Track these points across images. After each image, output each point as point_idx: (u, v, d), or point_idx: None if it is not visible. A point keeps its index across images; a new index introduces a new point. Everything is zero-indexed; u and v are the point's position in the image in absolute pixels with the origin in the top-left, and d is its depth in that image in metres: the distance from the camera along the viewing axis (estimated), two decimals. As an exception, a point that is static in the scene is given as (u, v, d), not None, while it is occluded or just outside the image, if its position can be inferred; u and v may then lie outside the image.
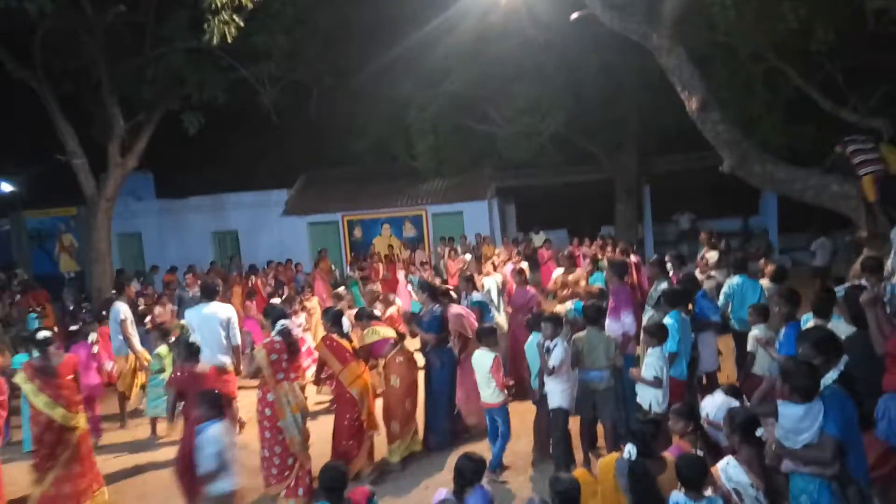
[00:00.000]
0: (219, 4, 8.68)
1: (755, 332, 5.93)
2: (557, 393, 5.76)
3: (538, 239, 15.66)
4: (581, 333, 6.04)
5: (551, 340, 5.74)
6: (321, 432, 6.63)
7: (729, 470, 3.68)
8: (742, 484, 3.61)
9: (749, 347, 6.01)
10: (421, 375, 6.88)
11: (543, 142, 14.40)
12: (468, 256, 12.98)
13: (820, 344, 3.94)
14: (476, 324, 7.21)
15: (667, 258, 8.48)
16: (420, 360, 6.98)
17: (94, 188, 14.28)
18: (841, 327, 4.91)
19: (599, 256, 10.86)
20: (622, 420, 5.92)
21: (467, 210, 17.54)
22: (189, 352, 6.16)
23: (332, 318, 6.41)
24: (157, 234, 19.31)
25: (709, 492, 3.54)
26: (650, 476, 3.68)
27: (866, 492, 3.64)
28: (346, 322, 6.54)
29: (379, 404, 6.69)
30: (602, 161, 16.12)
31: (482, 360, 6.13)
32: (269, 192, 19.25)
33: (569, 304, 7.88)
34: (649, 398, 5.47)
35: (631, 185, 16.15)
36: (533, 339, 6.51)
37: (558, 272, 9.12)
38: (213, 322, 7.10)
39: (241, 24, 9.25)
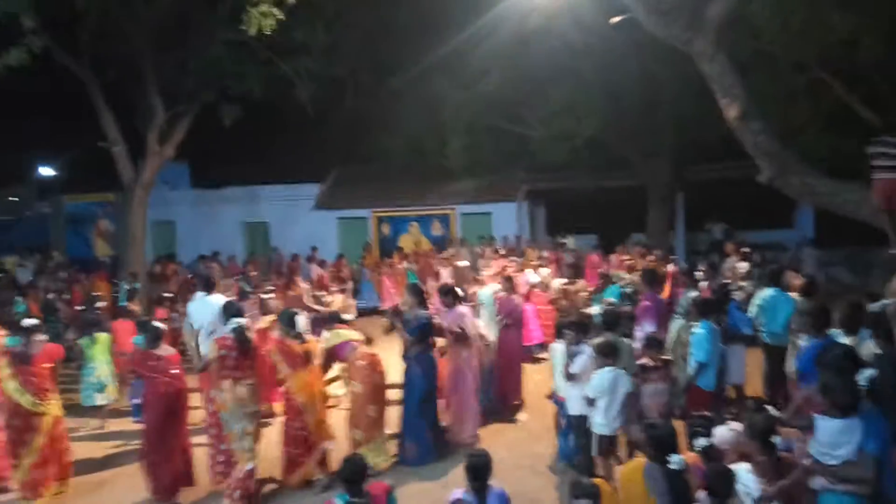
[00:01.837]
0: (259, -4, 8.80)
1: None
2: (577, 399, 5.69)
3: (570, 243, 15.52)
4: (598, 339, 6.00)
5: (575, 346, 5.70)
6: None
7: (741, 474, 3.66)
8: (751, 490, 3.58)
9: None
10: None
11: (578, 145, 14.29)
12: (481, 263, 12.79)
13: (835, 364, 3.86)
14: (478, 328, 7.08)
15: (699, 268, 8.38)
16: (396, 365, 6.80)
17: (131, 175, 14.57)
18: (870, 344, 4.81)
19: (637, 265, 10.62)
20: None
21: (496, 211, 17.49)
22: (153, 336, 6.14)
23: (287, 320, 6.19)
24: (191, 223, 19.63)
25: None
26: (688, 484, 3.63)
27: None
28: (301, 322, 6.30)
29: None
30: (636, 167, 15.93)
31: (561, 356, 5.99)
32: (301, 185, 19.43)
33: (595, 309, 7.82)
34: (595, 420, 5.41)
35: (665, 192, 15.93)
36: (557, 345, 6.50)
37: (559, 281, 9.03)
38: (209, 312, 7.06)
39: (281, 16, 9.35)
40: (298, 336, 6.12)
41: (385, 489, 4.10)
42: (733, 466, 3.73)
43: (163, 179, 16.48)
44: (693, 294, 7.14)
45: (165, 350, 6.16)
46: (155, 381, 5.94)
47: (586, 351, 5.72)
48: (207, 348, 6.52)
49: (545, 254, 13.11)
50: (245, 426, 5.75)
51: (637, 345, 6.38)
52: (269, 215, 19.29)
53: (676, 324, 6.94)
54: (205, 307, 7.13)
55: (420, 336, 6.51)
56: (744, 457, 3.87)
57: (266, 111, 15.75)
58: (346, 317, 7.46)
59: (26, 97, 18.23)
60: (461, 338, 6.77)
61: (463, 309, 6.99)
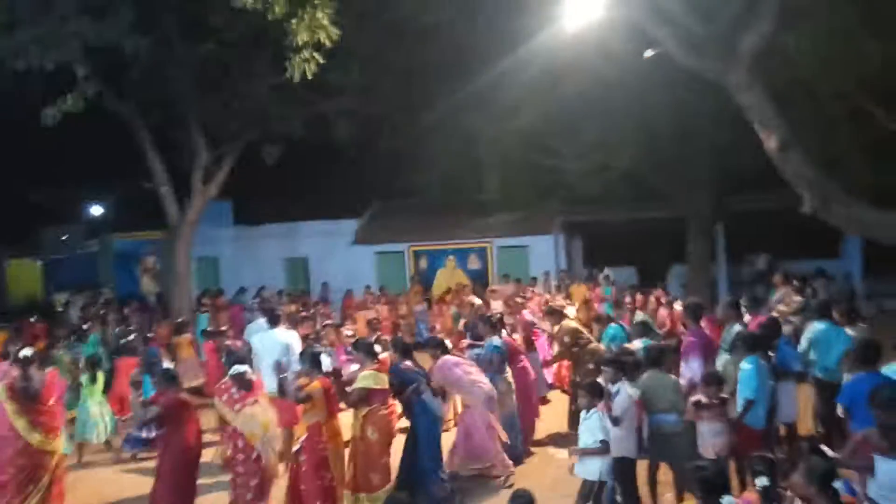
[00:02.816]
0: (300, 43, 9.08)
1: None
2: (617, 441, 5.47)
3: (611, 276, 15.34)
4: (644, 376, 5.89)
5: (612, 385, 5.58)
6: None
7: None
8: None
9: None
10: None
11: (612, 178, 14.23)
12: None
13: (887, 402, 3.72)
14: (469, 377, 6.73)
15: (741, 301, 8.20)
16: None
17: (177, 214, 15.03)
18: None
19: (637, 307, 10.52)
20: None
21: (533, 244, 17.46)
22: (166, 378, 5.96)
23: (311, 359, 6.02)
24: (233, 259, 20.06)
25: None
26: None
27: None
28: (327, 361, 6.26)
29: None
30: (674, 198, 15.77)
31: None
32: (340, 221, 19.75)
33: (638, 343, 7.70)
34: (594, 469, 5.18)
35: (704, 224, 15.69)
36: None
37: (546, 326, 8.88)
38: (276, 347, 7.25)
39: (322, 60, 9.63)
40: (327, 375, 6.13)
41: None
42: None
43: (206, 217, 16.95)
44: (737, 328, 6.97)
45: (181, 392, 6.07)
46: (181, 427, 5.70)
47: (625, 390, 5.62)
48: (271, 382, 6.66)
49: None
50: (274, 448, 5.97)
51: (683, 381, 6.25)
52: (308, 250, 19.59)
53: (722, 359, 6.79)
54: (270, 341, 7.22)
55: (400, 388, 6.39)
56: (805, 499, 3.72)
57: (305, 149, 16.14)
58: (378, 350, 7.10)
59: (77, 139, 19.06)
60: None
61: (449, 360, 6.84)
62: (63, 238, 32.38)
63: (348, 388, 6.28)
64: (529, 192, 16.12)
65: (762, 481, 3.85)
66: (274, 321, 7.55)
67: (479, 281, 16.20)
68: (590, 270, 16.07)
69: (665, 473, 5.95)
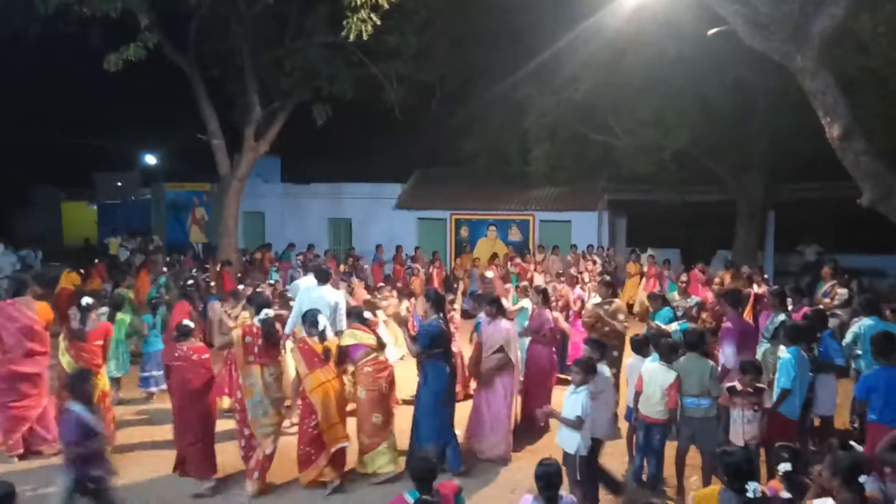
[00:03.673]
0: (358, 2, 9.09)
1: None
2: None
3: (645, 257, 15.10)
4: (682, 358, 5.87)
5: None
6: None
7: None
8: None
9: None
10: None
11: (664, 157, 13.97)
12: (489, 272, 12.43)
13: None
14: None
15: (789, 291, 8.05)
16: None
17: (228, 168, 15.37)
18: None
19: (725, 282, 10.14)
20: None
21: (576, 220, 17.33)
22: (181, 332, 6.18)
23: (310, 321, 6.22)
24: (279, 216, 20.45)
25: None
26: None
27: None
28: (323, 323, 6.20)
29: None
30: (725, 182, 15.41)
31: (661, 375, 5.81)
32: (384, 185, 19.91)
33: (674, 326, 7.66)
34: (572, 441, 5.15)
35: (755, 209, 15.33)
36: (633, 362, 6.44)
37: (594, 300, 8.37)
38: (321, 304, 7.17)
39: (378, 22, 9.64)
40: (321, 335, 6.17)
41: (454, 489, 4.17)
42: (818, 501, 3.60)
43: (255, 172, 17.28)
44: (781, 317, 6.88)
45: (192, 345, 6.18)
46: (180, 372, 6.01)
47: (603, 372, 5.65)
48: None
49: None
50: (268, 411, 5.94)
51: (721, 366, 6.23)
52: (352, 212, 19.85)
53: (763, 347, 6.72)
54: (317, 297, 7.25)
55: (425, 344, 6.27)
56: (829, 492, 3.73)
57: (355, 111, 16.25)
58: (368, 316, 7.03)
59: (136, 89, 19.58)
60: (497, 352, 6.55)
61: (505, 323, 6.72)
62: (118, 184, 33.52)
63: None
64: (576, 167, 15.96)
65: (785, 467, 3.86)
66: (323, 278, 7.63)
67: (520, 252, 16.19)
68: (633, 250, 15.88)
69: (693, 457, 5.99)
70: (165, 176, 24.51)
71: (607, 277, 8.67)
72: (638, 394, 5.98)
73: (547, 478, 3.93)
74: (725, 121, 13.35)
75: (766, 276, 11.63)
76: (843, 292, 9.19)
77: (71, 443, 4.72)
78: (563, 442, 5.28)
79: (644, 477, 6.08)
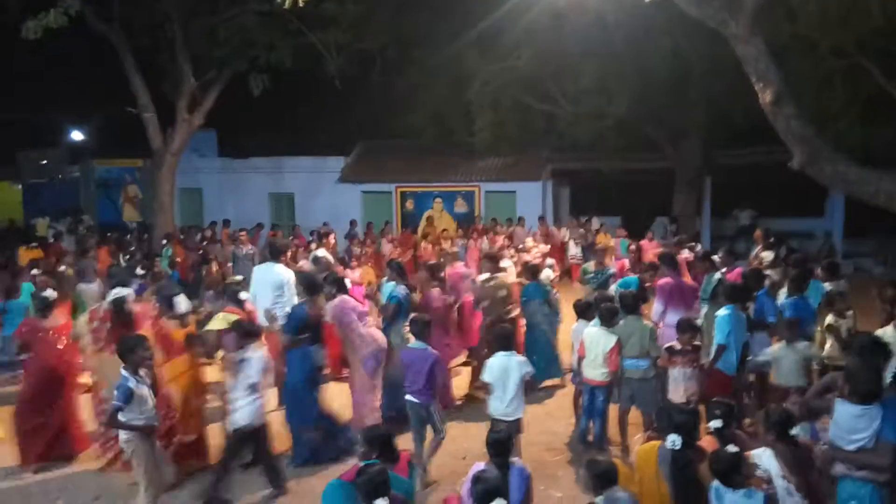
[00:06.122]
0: (293, -32, 8.78)
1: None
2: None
3: (595, 224, 15.42)
4: (621, 322, 6.01)
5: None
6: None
7: (763, 458, 3.73)
8: (773, 473, 3.66)
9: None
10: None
11: (606, 125, 14.14)
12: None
13: (862, 351, 3.88)
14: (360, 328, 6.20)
15: (719, 253, 8.39)
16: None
17: (161, 142, 14.75)
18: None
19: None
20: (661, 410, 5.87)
21: (521, 190, 17.43)
22: (41, 305, 5.96)
23: (165, 299, 5.79)
24: (217, 191, 19.86)
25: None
26: (693, 465, 3.69)
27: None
28: (183, 303, 5.85)
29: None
30: (665, 149, 15.74)
31: (603, 339, 5.90)
32: (327, 158, 19.53)
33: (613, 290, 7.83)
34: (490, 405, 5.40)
35: (692, 175, 15.74)
36: (578, 326, 6.57)
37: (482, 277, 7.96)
38: (267, 282, 7.09)
39: (314, -12, 9.36)
40: (179, 318, 5.84)
41: (407, 458, 4.17)
42: (756, 451, 3.76)
43: (191, 147, 16.66)
44: (717, 277, 7.15)
45: (55, 321, 5.93)
46: (40, 351, 5.77)
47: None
48: (263, 316, 6.50)
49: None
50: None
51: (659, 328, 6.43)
52: (294, 186, 19.43)
53: (704, 308, 6.95)
54: (268, 275, 7.09)
55: (291, 330, 6.02)
56: (766, 445, 3.90)
57: (294, 82, 15.81)
58: (243, 296, 6.52)
59: (59, 61, 18.50)
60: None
61: (349, 300, 6.33)
62: (43, 162, 31.78)
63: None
64: (520, 137, 16.00)
65: (716, 423, 4.03)
66: (275, 255, 7.41)
67: (465, 224, 16.20)
68: (576, 218, 16.12)
69: (636, 416, 6.17)
70: (94, 152, 23.35)
71: (489, 252, 8.88)
72: (581, 358, 6.10)
73: (498, 444, 3.97)
74: (664, 88, 13.57)
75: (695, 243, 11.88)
76: (767, 254, 9.59)
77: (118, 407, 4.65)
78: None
79: (590, 438, 6.24)
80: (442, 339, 7.13)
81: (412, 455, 4.29)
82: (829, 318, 6.20)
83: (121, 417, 4.69)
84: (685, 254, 9.74)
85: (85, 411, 6.35)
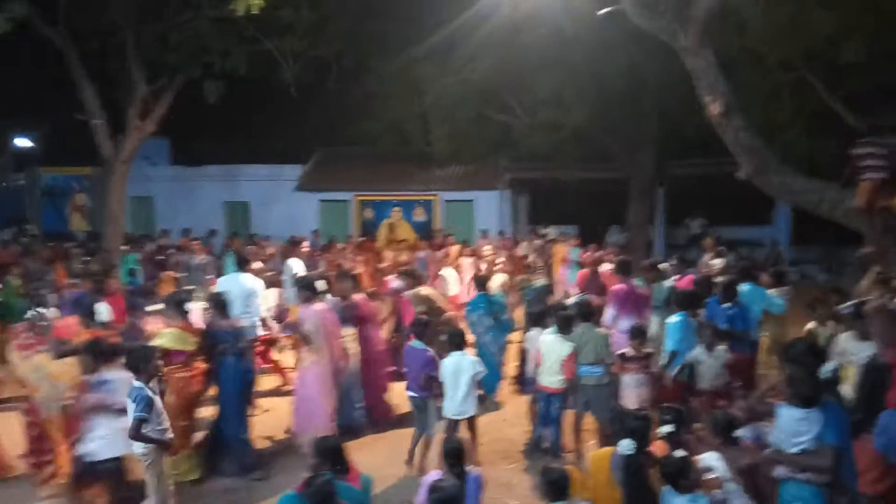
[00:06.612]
0: (246, -26, 8.67)
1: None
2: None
3: (552, 233, 15.56)
4: (577, 330, 6.06)
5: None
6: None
7: (711, 461, 3.82)
8: (722, 475, 3.75)
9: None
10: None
11: (563, 136, 14.31)
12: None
13: (800, 357, 3.97)
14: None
15: (670, 261, 8.57)
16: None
17: (111, 150, 14.29)
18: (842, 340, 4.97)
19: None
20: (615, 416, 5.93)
21: (478, 199, 17.52)
22: None
23: (86, 310, 5.90)
24: (170, 200, 19.39)
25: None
26: (645, 470, 3.72)
27: (859, 501, 3.67)
28: (105, 313, 5.93)
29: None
30: (620, 160, 16.02)
31: (559, 346, 5.94)
32: (283, 166, 19.30)
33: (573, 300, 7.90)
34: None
35: (646, 185, 16.04)
36: (533, 334, 6.59)
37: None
38: (235, 291, 6.98)
39: (269, -5, 9.24)
40: (103, 327, 5.82)
41: (357, 472, 4.11)
42: (704, 455, 3.83)
43: (142, 155, 16.22)
44: (667, 285, 7.27)
45: None
46: None
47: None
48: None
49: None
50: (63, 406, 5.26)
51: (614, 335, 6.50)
52: (250, 195, 19.12)
53: (656, 316, 7.06)
54: (235, 285, 7.04)
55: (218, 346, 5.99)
56: (711, 448, 3.97)
57: (249, 89, 15.57)
58: (188, 307, 6.17)
59: (3, 64, 17.87)
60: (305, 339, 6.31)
61: (319, 307, 6.46)
62: (-15, 170, 30.65)
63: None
64: (477, 147, 16.08)
65: (666, 428, 4.09)
66: (241, 264, 7.35)
67: (424, 233, 16.17)
68: (533, 228, 16.26)
69: (590, 423, 6.21)
70: (41, 159, 22.60)
71: (407, 269, 8.91)
72: (537, 366, 6.12)
73: (453, 453, 3.96)
74: (619, 100, 13.81)
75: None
76: (717, 262, 9.84)
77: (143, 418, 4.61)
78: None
79: (545, 444, 6.25)
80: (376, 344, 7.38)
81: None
82: (810, 325, 6.40)
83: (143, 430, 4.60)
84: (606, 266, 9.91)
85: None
